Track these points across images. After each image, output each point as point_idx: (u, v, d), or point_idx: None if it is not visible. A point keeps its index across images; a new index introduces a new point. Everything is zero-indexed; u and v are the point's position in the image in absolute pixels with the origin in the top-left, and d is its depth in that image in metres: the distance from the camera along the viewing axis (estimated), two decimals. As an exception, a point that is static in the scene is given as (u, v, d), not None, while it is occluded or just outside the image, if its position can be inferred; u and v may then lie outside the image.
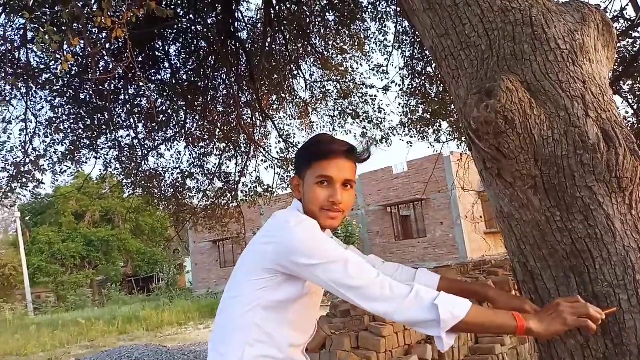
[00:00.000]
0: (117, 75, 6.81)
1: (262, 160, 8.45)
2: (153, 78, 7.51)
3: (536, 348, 1.76)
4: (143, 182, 7.80)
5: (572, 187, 1.49)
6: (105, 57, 6.15)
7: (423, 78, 7.13)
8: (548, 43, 1.61)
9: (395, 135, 7.99)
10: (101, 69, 6.25)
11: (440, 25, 1.82)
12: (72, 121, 6.82)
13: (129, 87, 7.38)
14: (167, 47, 7.26)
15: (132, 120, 7.54)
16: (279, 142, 8.36)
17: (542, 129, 1.51)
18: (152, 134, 7.77)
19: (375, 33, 7.75)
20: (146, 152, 7.64)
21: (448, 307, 1.24)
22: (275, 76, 7.95)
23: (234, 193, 8.00)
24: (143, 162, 7.66)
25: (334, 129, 8.38)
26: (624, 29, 5.70)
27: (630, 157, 1.46)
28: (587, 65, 1.60)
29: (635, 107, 6.19)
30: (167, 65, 7.39)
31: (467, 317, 1.24)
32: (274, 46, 7.71)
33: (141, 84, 7.27)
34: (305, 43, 7.84)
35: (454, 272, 5.75)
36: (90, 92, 6.63)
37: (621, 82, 6.01)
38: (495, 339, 4.95)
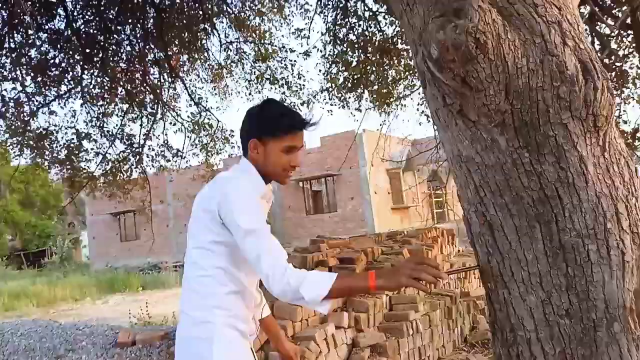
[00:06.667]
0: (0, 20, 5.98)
1: (171, 123, 7.85)
2: (45, 27, 6.66)
3: (487, 306, 1.60)
4: (32, 142, 6.92)
5: (545, 124, 1.32)
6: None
7: (345, 45, 6.91)
8: (520, -38, 1.42)
9: (315, 103, 7.73)
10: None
11: (395, -59, 1.58)
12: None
13: (15, 34, 6.49)
14: (62, -7, 6.42)
15: (18, 72, 6.66)
16: (190, 105, 7.81)
17: (517, 56, 1.32)
18: (43, 88, 6.91)
19: (295, -4, 7.39)
20: (35, 109, 6.78)
21: (312, 290, 1.41)
22: (187, 34, 7.35)
23: (138, 157, 7.35)
24: (32, 120, 6.80)
25: (250, 94, 7.95)
26: None
27: (607, 93, 1.31)
28: (560, -9, 1.44)
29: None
30: (62, 13, 6.57)
31: (332, 290, 1.41)
32: (186, 1, 7.11)
33: (30, 31, 6.46)
34: (220, 2, 7.30)
35: (370, 240, 5.69)
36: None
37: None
38: (409, 305, 4.95)
